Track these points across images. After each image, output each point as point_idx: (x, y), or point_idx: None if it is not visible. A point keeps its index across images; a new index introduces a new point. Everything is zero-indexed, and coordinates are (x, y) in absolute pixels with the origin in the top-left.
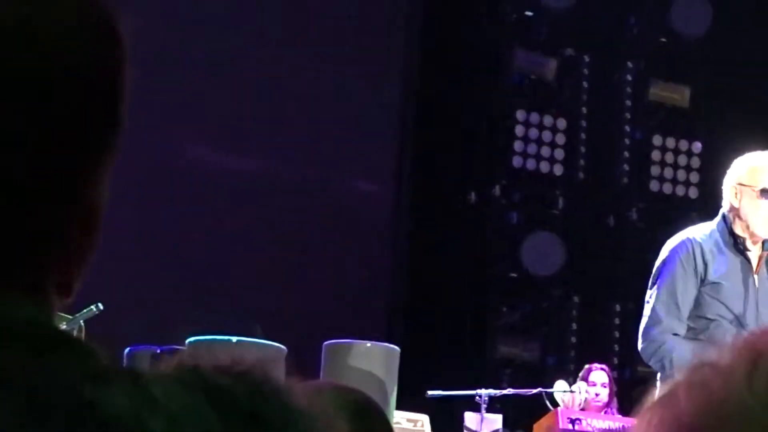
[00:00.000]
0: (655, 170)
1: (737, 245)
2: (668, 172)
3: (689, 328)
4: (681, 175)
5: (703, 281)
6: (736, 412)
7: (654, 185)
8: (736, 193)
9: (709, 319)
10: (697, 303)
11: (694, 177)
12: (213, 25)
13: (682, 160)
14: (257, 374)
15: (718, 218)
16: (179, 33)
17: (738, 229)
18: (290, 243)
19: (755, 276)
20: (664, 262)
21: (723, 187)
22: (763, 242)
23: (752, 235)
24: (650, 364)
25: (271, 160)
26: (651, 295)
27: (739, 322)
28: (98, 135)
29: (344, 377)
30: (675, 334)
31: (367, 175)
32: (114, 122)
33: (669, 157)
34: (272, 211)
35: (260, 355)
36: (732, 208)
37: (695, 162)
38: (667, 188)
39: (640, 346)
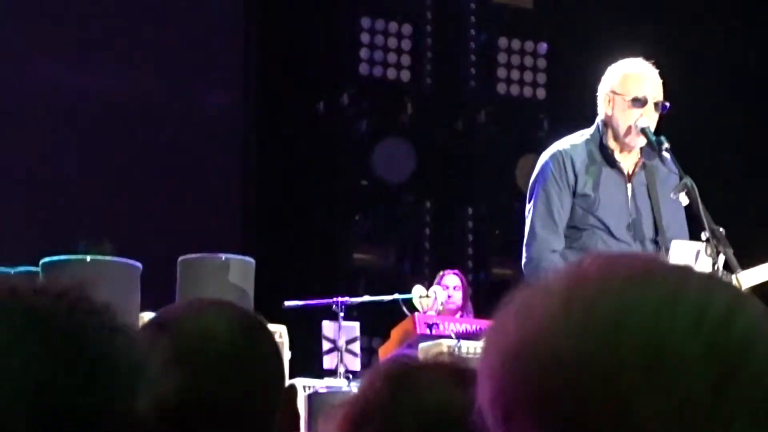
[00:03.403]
0: (501, 72)
1: (607, 157)
2: (515, 74)
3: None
4: (528, 76)
5: (574, 193)
6: (553, 334)
7: (501, 87)
8: (609, 101)
9: (581, 228)
10: (570, 214)
11: (541, 78)
12: None
13: (528, 61)
14: (75, 294)
15: (593, 127)
16: None
17: (609, 140)
18: (140, 158)
19: (628, 185)
20: (537, 177)
21: (597, 95)
22: (643, 148)
23: (623, 144)
24: (531, 280)
25: (117, 76)
26: (529, 210)
27: (610, 232)
28: None
29: (200, 291)
30: (553, 251)
31: (214, 87)
32: None
33: (515, 59)
34: (120, 126)
35: (114, 273)
36: (606, 117)
37: (541, 63)
38: (515, 90)
39: (523, 262)
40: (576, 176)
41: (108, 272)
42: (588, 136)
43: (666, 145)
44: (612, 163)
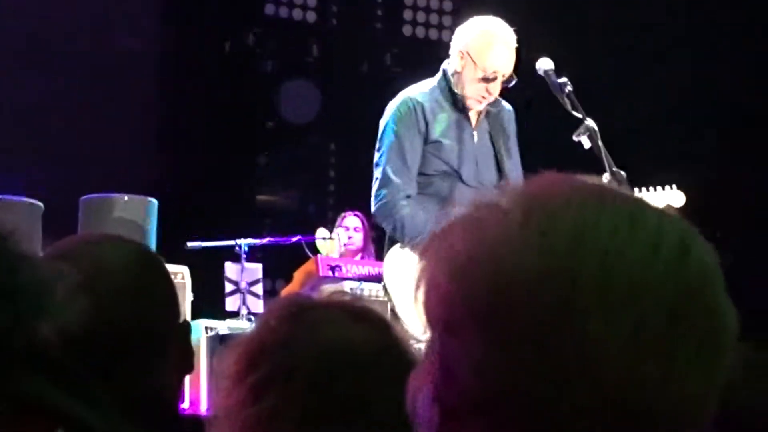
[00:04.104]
0: (408, 14)
1: (456, 103)
2: (421, 16)
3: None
4: (434, 18)
5: (426, 140)
6: (509, 251)
7: (407, 29)
8: (461, 59)
9: (432, 175)
10: (421, 160)
11: (447, 20)
12: None
13: (435, 4)
14: None
15: (440, 74)
16: None
17: (457, 89)
18: (49, 97)
19: (474, 132)
20: (387, 124)
21: (452, 43)
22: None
23: (465, 102)
24: (383, 225)
25: (31, 18)
26: (379, 157)
27: (460, 177)
28: None
29: (103, 231)
30: (408, 196)
31: (123, 27)
32: None
33: (422, 1)
34: (32, 67)
35: (16, 212)
36: (455, 71)
37: (447, 6)
38: (420, 32)
39: (373, 207)
40: (427, 123)
41: (9, 211)
42: (435, 83)
43: (569, 87)
44: (460, 109)
